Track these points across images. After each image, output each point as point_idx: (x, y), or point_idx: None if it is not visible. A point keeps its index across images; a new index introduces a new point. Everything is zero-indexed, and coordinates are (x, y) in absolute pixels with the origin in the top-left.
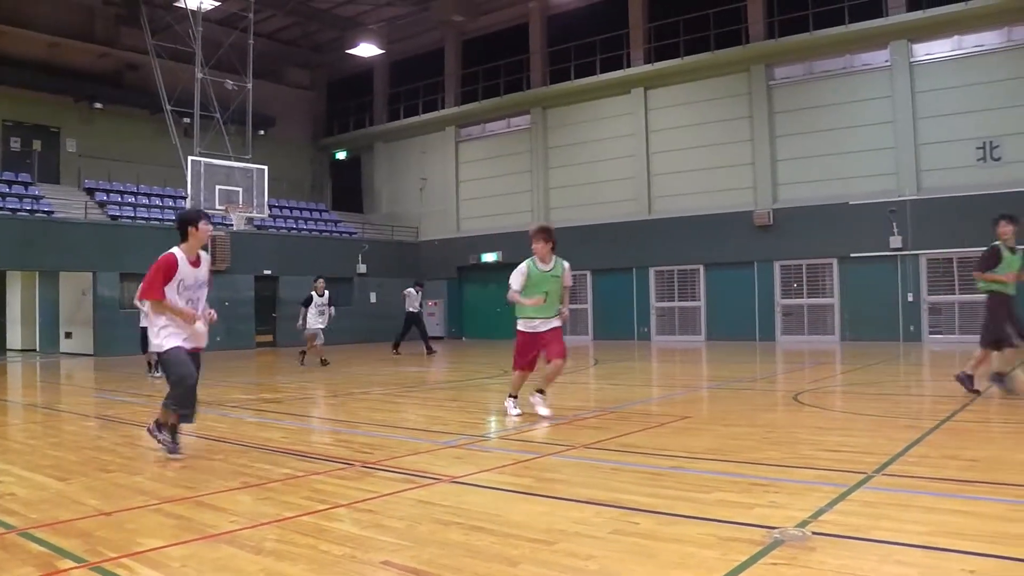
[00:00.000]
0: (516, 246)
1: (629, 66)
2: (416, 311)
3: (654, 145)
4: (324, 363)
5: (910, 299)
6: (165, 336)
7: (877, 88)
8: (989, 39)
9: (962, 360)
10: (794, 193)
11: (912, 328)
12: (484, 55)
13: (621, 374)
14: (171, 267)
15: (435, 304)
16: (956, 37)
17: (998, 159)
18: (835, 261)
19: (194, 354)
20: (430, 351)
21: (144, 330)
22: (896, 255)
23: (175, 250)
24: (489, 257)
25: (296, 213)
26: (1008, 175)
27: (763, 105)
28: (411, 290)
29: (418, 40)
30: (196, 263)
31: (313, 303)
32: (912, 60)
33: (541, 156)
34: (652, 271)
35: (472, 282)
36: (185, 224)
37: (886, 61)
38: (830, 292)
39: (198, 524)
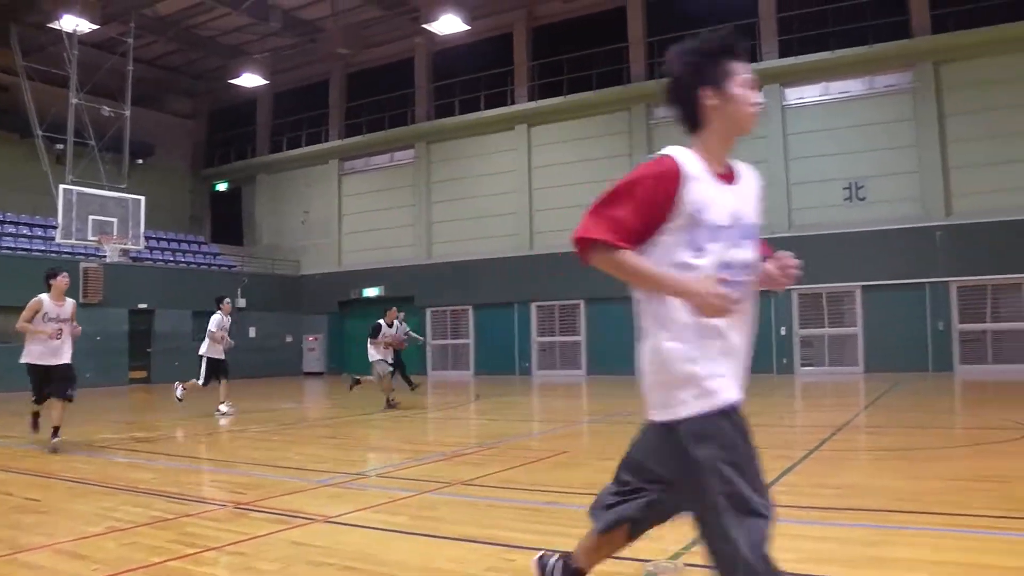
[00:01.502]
0: (399, 280)
1: (513, 103)
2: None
3: (537, 181)
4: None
5: (783, 333)
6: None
7: (753, 129)
8: (854, 86)
9: (835, 390)
10: None
11: (785, 361)
12: (369, 88)
13: (502, 409)
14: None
15: (315, 339)
16: (824, 83)
17: (863, 199)
18: None
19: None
20: (411, 385)
21: None
22: (768, 290)
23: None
24: (371, 292)
25: (174, 245)
26: (873, 214)
27: (643, 143)
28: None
29: (303, 71)
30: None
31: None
32: (784, 103)
33: (424, 190)
34: (534, 306)
35: (354, 317)
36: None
37: (762, 103)
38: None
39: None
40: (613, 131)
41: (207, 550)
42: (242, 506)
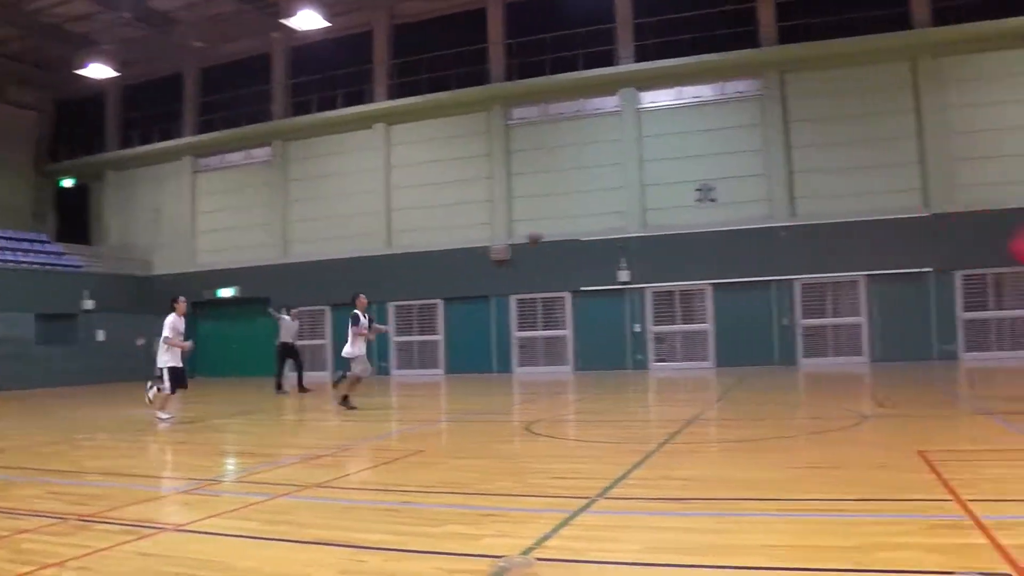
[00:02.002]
0: (255, 280)
1: (372, 101)
2: (290, 342)
3: (396, 180)
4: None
5: (637, 330)
6: None
7: (607, 131)
8: (705, 91)
9: (687, 385)
10: (530, 229)
11: (639, 357)
12: (225, 84)
13: (360, 410)
14: None
15: None
16: (677, 88)
17: (713, 200)
18: (568, 295)
19: None
20: (302, 388)
21: None
22: (624, 288)
23: None
24: (226, 292)
25: (13, 244)
26: (722, 215)
27: (501, 144)
28: (285, 317)
29: (155, 64)
30: None
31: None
32: (639, 107)
33: (282, 189)
34: (392, 306)
35: (208, 318)
36: None
37: (616, 107)
38: (564, 324)
39: None
40: (472, 131)
41: (45, 567)
42: (86, 518)
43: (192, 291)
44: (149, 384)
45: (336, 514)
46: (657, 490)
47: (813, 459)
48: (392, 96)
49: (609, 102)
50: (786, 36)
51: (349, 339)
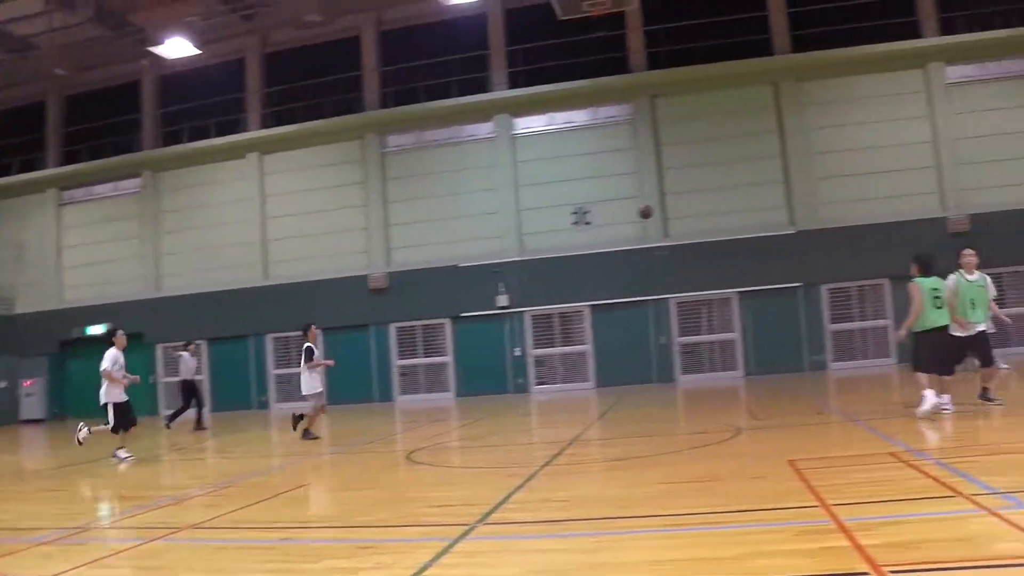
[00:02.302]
0: (127, 316)
1: (245, 130)
2: (191, 379)
3: (271, 210)
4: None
5: (517, 354)
6: None
7: (483, 157)
8: (579, 116)
9: (568, 406)
10: (407, 256)
11: (520, 381)
12: (91, 113)
13: (240, 445)
14: None
15: (34, 383)
16: (550, 114)
17: (588, 223)
18: (448, 321)
19: None
20: (200, 426)
21: None
22: (503, 313)
23: None
24: (96, 329)
25: None
26: (597, 237)
27: (377, 171)
28: (183, 353)
29: (14, 92)
30: None
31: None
32: (513, 132)
33: (153, 221)
34: (270, 338)
35: (77, 357)
36: None
37: (490, 133)
38: (444, 351)
39: None
40: (347, 159)
41: None
42: None
43: (59, 330)
44: (81, 425)
45: (210, 555)
46: (537, 512)
47: (691, 473)
48: (266, 125)
49: (484, 128)
50: (654, 62)
51: (304, 374)
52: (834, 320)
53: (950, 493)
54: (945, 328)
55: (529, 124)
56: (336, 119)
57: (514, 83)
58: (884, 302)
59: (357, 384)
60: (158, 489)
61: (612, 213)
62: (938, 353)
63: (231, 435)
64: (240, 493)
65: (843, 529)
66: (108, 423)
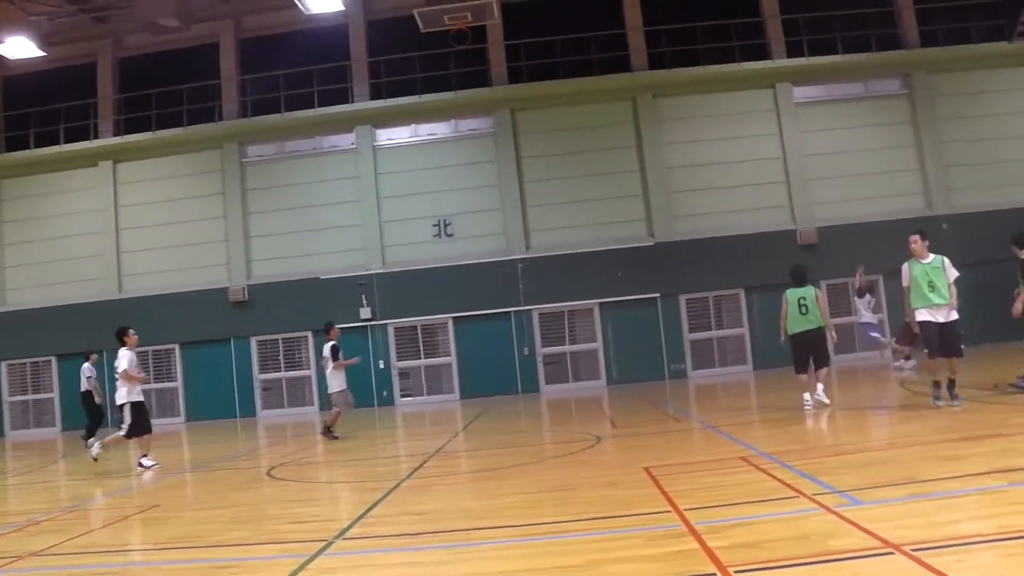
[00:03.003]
0: None
1: (97, 137)
2: (91, 390)
3: (124, 221)
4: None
5: (381, 366)
6: None
7: (345, 168)
8: (440, 129)
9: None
10: (268, 269)
11: (385, 393)
12: None
13: (87, 467)
14: None
15: None
16: (413, 125)
17: (451, 235)
18: (310, 334)
19: None
20: (88, 436)
21: None
22: (366, 325)
23: None
24: None
25: None
26: (460, 249)
27: (236, 182)
28: (85, 365)
29: None
30: None
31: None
32: (376, 144)
33: None
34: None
35: None
36: None
37: (352, 144)
38: (307, 365)
39: None
40: (205, 169)
41: None
42: None
43: None
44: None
45: None
46: (396, 526)
47: (549, 483)
48: (119, 132)
49: (346, 139)
50: (516, 76)
51: (331, 373)
52: (692, 329)
53: (794, 494)
54: (803, 333)
55: (391, 136)
56: (194, 128)
57: (376, 94)
58: (740, 311)
59: (218, 400)
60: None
61: (474, 225)
62: (798, 354)
63: (77, 457)
64: (88, 516)
65: (693, 532)
66: (122, 429)
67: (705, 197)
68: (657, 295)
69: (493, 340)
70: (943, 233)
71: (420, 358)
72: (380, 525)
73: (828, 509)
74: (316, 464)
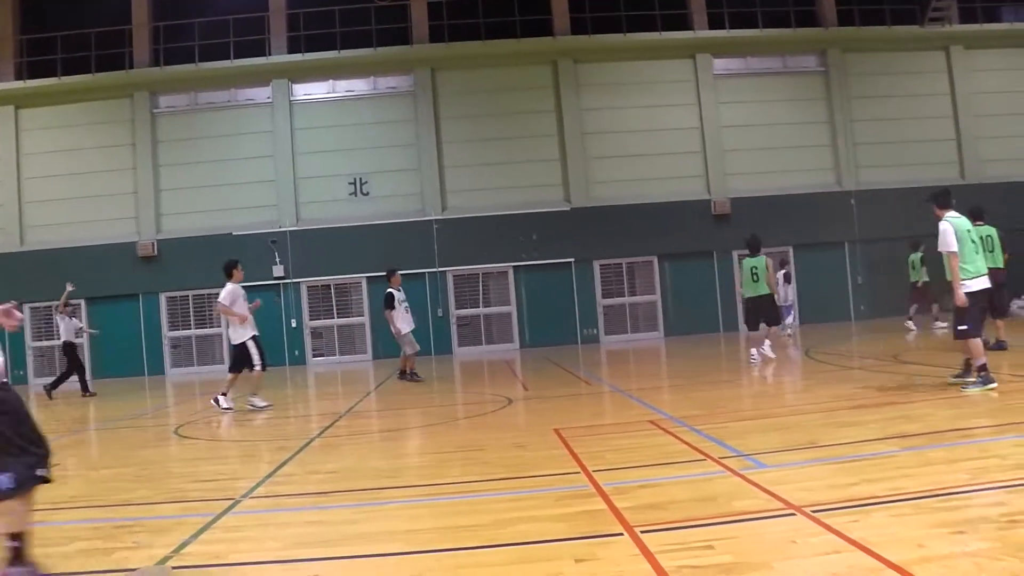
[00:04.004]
0: None
1: None
2: (73, 340)
3: (27, 170)
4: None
5: (293, 325)
6: None
7: (260, 123)
8: (359, 86)
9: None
10: (179, 224)
11: (297, 352)
12: None
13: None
14: None
15: None
16: (331, 81)
17: (367, 194)
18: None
19: None
20: (86, 390)
21: None
22: (279, 283)
23: None
24: None
25: None
26: (376, 208)
27: (147, 133)
28: (65, 317)
29: None
30: None
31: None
32: (292, 99)
33: None
34: (28, 307)
35: None
36: None
37: (268, 98)
38: (217, 322)
39: None
40: (114, 119)
41: None
42: None
43: None
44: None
45: None
46: (303, 486)
47: (459, 443)
48: (21, 76)
49: (262, 93)
50: (438, 35)
51: (393, 319)
52: (605, 295)
53: (701, 457)
54: (755, 298)
55: (308, 91)
56: (102, 75)
57: (294, 48)
58: (653, 278)
59: (126, 356)
60: None
61: (390, 185)
62: (749, 315)
63: None
64: None
65: (601, 493)
66: (256, 365)
67: (622, 164)
68: (572, 260)
69: (408, 300)
70: (850, 208)
71: (333, 317)
72: (287, 484)
73: (733, 472)
74: (222, 423)
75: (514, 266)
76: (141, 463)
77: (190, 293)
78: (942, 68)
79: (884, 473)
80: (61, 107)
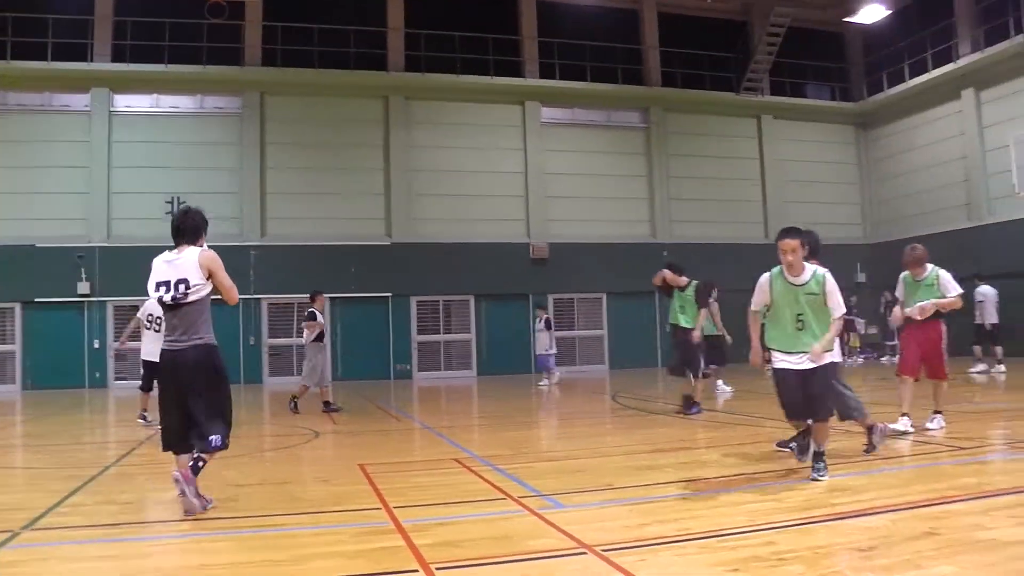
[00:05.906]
0: None
1: None
2: None
3: None
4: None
5: (96, 346)
6: None
7: (75, 132)
8: (184, 103)
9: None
10: None
11: (98, 375)
12: None
13: None
14: None
15: None
16: (155, 95)
17: None
18: (18, 306)
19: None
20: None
21: None
22: (84, 301)
23: None
24: None
25: None
26: None
27: None
28: None
29: None
30: None
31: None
32: (112, 109)
33: None
34: None
35: None
36: None
37: (86, 106)
38: (12, 339)
39: None
40: None
41: None
42: None
43: None
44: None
45: None
46: (94, 516)
47: (261, 476)
48: None
49: (80, 100)
50: (270, 59)
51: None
52: (421, 331)
53: (501, 496)
54: (677, 329)
55: (130, 103)
56: None
57: (119, 56)
58: (469, 317)
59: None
60: None
61: (208, 207)
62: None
63: None
64: None
65: (400, 529)
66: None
67: (446, 203)
68: (389, 295)
69: (218, 327)
70: (661, 260)
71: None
72: (76, 515)
73: (531, 511)
74: (9, 448)
75: (331, 297)
76: None
77: None
78: (753, 134)
79: (673, 515)
80: None
